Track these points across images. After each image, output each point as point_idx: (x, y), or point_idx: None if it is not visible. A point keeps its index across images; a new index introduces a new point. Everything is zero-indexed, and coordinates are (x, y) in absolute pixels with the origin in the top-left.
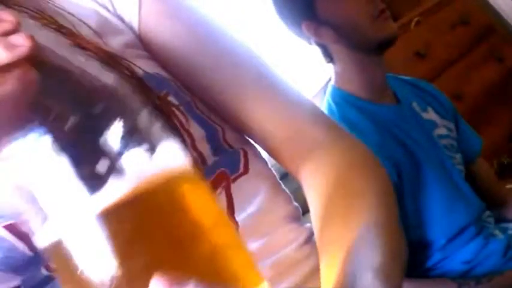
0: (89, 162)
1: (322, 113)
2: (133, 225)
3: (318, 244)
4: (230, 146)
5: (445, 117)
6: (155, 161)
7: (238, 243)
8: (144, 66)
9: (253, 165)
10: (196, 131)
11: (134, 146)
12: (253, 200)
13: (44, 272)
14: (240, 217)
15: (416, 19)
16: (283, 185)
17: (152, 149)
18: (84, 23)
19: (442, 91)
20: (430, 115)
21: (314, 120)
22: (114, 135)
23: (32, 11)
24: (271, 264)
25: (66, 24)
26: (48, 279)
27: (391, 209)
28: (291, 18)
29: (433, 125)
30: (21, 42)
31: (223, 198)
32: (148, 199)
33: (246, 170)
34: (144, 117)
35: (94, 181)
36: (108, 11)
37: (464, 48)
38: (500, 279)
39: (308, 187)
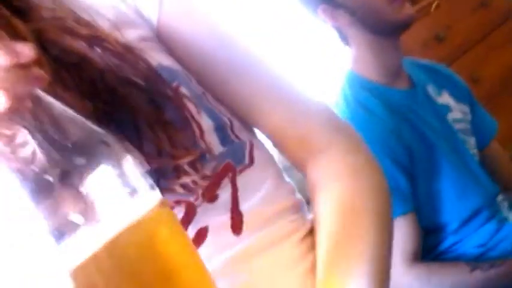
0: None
1: (331, 115)
2: (102, 276)
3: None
4: (237, 138)
5: (460, 100)
6: (133, 207)
7: (210, 281)
8: (158, 58)
9: (258, 157)
10: (206, 122)
11: (117, 191)
12: (258, 191)
13: None
14: (244, 207)
15: (436, 2)
16: (287, 177)
17: (133, 194)
18: (102, 15)
19: (459, 74)
20: (445, 99)
21: (323, 123)
22: (96, 181)
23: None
24: (273, 257)
25: (84, 16)
26: None
27: (386, 228)
28: (308, 1)
29: (448, 109)
30: (39, 75)
31: (228, 189)
32: (121, 248)
33: (251, 162)
34: (128, 163)
35: (67, 229)
36: (128, 5)
37: (484, 32)
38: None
39: (313, 201)
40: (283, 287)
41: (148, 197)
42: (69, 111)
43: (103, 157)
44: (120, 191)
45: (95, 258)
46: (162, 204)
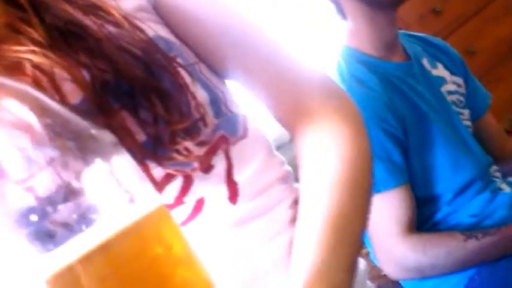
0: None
1: (327, 81)
2: (94, 280)
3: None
4: (230, 111)
5: (455, 72)
6: (128, 208)
7: (209, 282)
8: (155, 28)
9: (251, 130)
10: (200, 93)
11: (111, 191)
12: (251, 162)
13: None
14: (239, 178)
15: None
16: (279, 154)
17: (127, 193)
18: None
19: (455, 47)
20: (440, 71)
21: (316, 88)
22: (90, 177)
23: None
24: (266, 222)
25: None
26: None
27: (364, 199)
28: None
29: (442, 81)
30: None
31: (223, 160)
32: (116, 251)
33: (244, 134)
34: (120, 163)
35: (64, 231)
36: None
37: (480, 5)
38: (506, 230)
39: (299, 170)
40: (273, 253)
41: (145, 197)
42: (59, 106)
43: (93, 153)
44: (115, 191)
45: (84, 263)
46: (160, 206)
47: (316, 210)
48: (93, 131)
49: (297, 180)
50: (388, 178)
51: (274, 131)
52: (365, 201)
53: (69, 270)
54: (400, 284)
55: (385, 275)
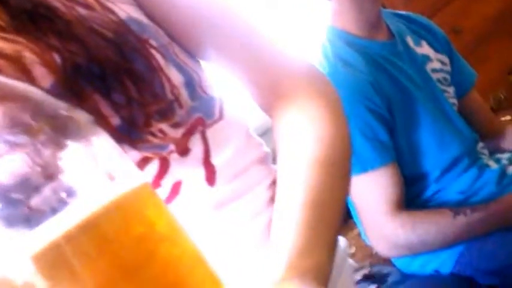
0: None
1: (307, 66)
2: (79, 257)
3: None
4: (205, 93)
5: (439, 50)
6: (110, 187)
7: (197, 257)
8: (128, 10)
9: (228, 112)
10: (174, 75)
11: (91, 169)
12: (228, 144)
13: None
14: (216, 160)
15: None
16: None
17: (108, 172)
18: None
19: (441, 26)
20: (424, 49)
21: (295, 71)
22: (69, 158)
23: None
24: (245, 203)
25: None
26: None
27: (340, 179)
28: None
29: (427, 59)
30: None
31: (199, 143)
32: (99, 228)
33: (221, 117)
34: (100, 139)
35: (44, 214)
36: None
37: None
38: (494, 206)
39: (277, 151)
40: (253, 233)
41: (126, 175)
42: (29, 89)
43: (71, 133)
44: (95, 169)
45: (70, 239)
46: (143, 182)
47: (294, 190)
48: (69, 112)
49: (275, 162)
50: (376, 157)
51: (259, 118)
52: (343, 182)
53: (54, 247)
54: (391, 261)
55: (376, 254)
